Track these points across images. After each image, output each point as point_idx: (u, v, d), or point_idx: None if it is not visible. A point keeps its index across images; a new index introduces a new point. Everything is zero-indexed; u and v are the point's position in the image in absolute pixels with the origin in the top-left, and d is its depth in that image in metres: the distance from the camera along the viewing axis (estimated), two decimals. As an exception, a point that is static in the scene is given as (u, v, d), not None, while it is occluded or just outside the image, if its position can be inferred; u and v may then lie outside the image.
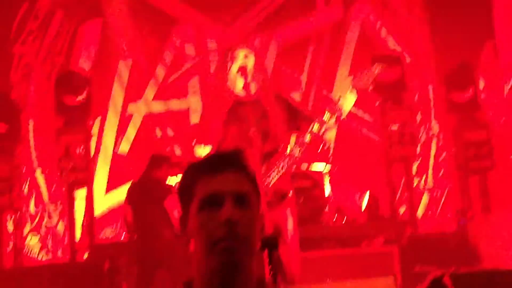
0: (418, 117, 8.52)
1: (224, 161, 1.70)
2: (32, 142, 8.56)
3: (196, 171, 1.70)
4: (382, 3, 8.95)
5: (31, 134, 8.54)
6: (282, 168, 3.99)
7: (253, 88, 4.17)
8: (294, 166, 4.12)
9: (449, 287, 3.15)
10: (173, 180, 6.60)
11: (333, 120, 4.02)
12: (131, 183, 6.57)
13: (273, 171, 3.98)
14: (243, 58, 4.20)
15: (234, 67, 4.18)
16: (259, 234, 1.70)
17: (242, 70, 4.14)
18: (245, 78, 4.13)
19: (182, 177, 1.75)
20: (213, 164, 1.69)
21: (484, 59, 8.42)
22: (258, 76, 4.21)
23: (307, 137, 4.00)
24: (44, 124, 8.37)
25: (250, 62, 4.19)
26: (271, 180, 3.96)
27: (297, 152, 4.01)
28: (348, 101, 4.02)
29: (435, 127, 8.69)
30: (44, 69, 8.62)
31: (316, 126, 4.00)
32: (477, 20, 8.14)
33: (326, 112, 4.01)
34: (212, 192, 1.65)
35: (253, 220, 1.67)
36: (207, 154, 1.78)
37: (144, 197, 6.23)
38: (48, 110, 7.87)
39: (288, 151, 4.03)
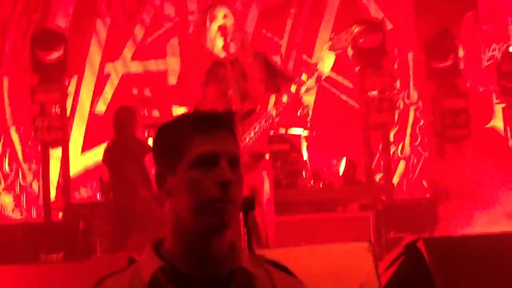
0: (398, 84, 8.53)
1: (219, 121, 1.65)
2: (6, 100, 8.45)
3: (189, 127, 1.63)
4: (365, -32, 8.88)
5: (5, 92, 8.42)
6: (259, 129, 3.95)
7: (232, 48, 4.11)
8: (272, 129, 4.09)
9: (423, 252, 3.17)
10: (151, 141, 6.56)
11: (312, 80, 3.97)
12: (108, 142, 6.51)
13: (250, 132, 3.94)
14: (223, 17, 4.13)
15: (214, 26, 4.12)
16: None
17: (222, 29, 4.08)
18: (225, 38, 4.07)
19: (166, 132, 1.67)
20: (209, 122, 1.64)
21: (465, 28, 8.42)
22: (237, 36, 4.15)
23: (285, 98, 3.96)
24: (19, 81, 8.24)
25: (230, 22, 4.13)
26: (248, 141, 3.93)
27: (274, 113, 3.97)
28: (326, 62, 3.97)
29: (414, 94, 8.72)
30: (20, 25, 8.45)
31: (294, 87, 3.96)
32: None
33: (305, 73, 3.97)
34: (209, 151, 1.61)
35: (242, 183, 1.65)
36: (191, 112, 1.71)
37: (122, 155, 6.17)
38: (23, 67, 7.74)
39: (266, 112, 3.99)
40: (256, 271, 1.66)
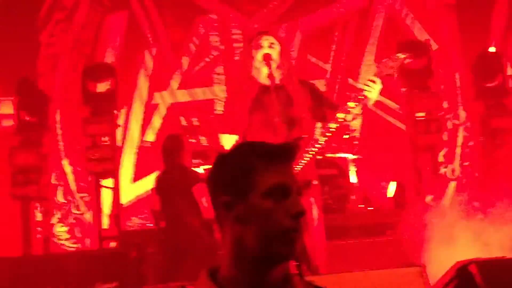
0: (445, 105, 8.44)
1: (288, 153, 1.72)
2: (59, 132, 8.65)
3: (261, 158, 1.69)
4: (407, -11, 8.87)
5: (58, 124, 8.62)
6: (306, 156, 3.97)
7: (277, 76, 4.15)
8: (320, 154, 4.09)
9: (475, 275, 3.13)
10: (200, 169, 6.63)
11: (358, 108, 3.98)
12: (159, 172, 6.61)
13: (299, 160, 3.96)
14: (268, 46, 4.17)
15: (259, 55, 4.16)
16: None
17: (267, 58, 4.12)
18: (270, 67, 4.11)
19: (234, 161, 1.72)
20: (281, 154, 1.71)
21: (512, 46, 8.32)
22: (283, 64, 4.19)
23: (332, 125, 3.97)
24: (71, 114, 8.45)
25: (275, 51, 4.17)
26: (296, 169, 3.94)
27: (322, 140, 3.99)
28: (373, 89, 3.98)
29: (462, 114, 8.61)
30: (71, 59, 8.68)
31: (341, 115, 3.97)
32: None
33: (351, 100, 3.98)
34: (283, 183, 1.68)
35: None
36: (257, 142, 1.76)
37: (171, 185, 6.25)
38: (74, 100, 7.94)
39: (313, 139, 4.01)
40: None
